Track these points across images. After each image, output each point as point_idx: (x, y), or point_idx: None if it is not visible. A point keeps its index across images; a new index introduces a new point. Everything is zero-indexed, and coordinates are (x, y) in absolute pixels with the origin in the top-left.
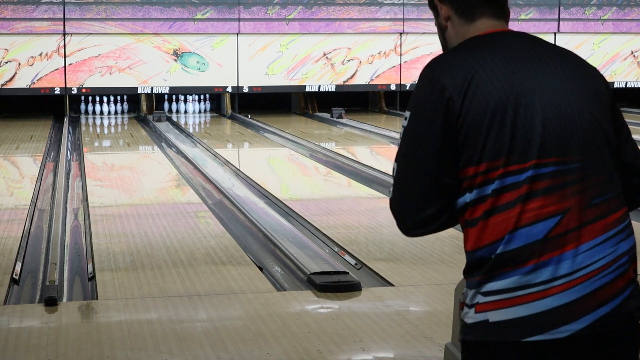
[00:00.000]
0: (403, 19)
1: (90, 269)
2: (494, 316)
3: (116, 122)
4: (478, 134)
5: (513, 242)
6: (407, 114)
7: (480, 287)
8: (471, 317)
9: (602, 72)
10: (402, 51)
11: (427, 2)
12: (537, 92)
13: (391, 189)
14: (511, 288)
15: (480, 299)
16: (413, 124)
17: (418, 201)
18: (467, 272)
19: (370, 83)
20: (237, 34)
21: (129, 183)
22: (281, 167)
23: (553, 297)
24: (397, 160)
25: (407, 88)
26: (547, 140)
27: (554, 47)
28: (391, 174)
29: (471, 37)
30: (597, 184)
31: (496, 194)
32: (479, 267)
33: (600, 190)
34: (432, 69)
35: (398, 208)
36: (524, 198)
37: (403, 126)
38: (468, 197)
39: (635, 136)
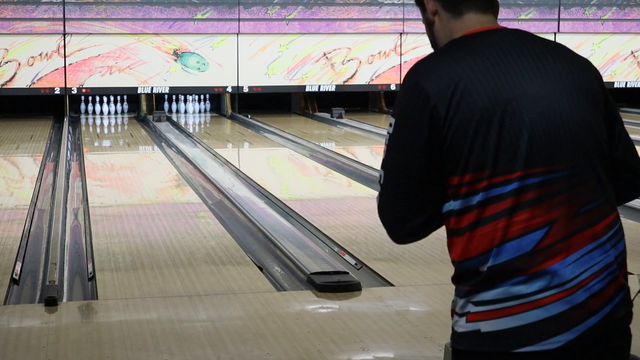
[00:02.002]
0: (403, 19)
1: (90, 269)
2: (485, 326)
3: (116, 122)
4: (462, 144)
5: (501, 256)
6: (392, 120)
7: (470, 297)
8: (462, 326)
9: (602, 72)
10: (402, 51)
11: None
12: (525, 98)
13: (378, 195)
14: (502, 299)
15: (472, 308)
16: (398, 131)
17: (407, 211)
18: (455, 280)
19: (370, 83)
20: (237, 34)
21: (129, 183)
22: (281, 167)
23: (544, 308)
24: (383, 167)
25: None
26: (534, 150)
27: (543, 44)
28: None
29: (458, 37)
30: (586, 191)
31: (481, 205)
32: (468, 278)
33: (590, 197)
34: (416, 74)
35: (387, 217)
36: (511, 210)
37: (388, 132)
38: (452, 205)
39: (635, 136)
